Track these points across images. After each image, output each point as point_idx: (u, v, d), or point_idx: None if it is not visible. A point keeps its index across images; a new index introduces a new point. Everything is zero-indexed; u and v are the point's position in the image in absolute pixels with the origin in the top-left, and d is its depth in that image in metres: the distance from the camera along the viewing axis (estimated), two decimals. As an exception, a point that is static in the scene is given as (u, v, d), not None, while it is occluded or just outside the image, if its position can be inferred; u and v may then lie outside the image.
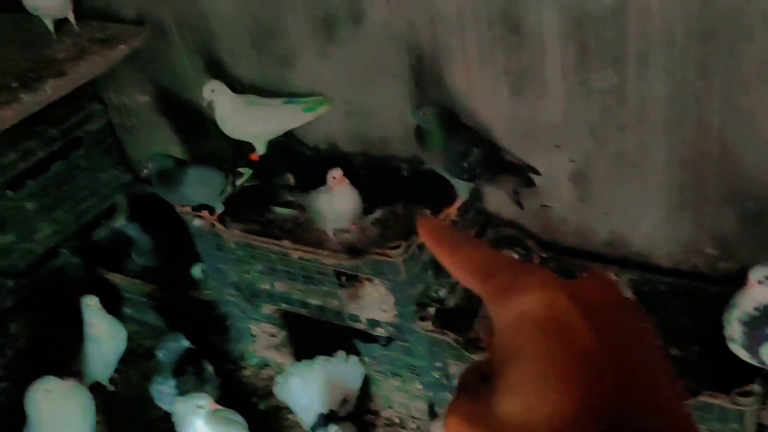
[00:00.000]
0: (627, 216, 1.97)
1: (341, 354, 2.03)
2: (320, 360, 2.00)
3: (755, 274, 1.52)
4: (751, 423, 1.58)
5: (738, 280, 1.65)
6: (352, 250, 1.96)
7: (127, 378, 2.36)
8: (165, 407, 2.03)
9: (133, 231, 2.51)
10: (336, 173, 1.93)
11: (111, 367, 2.26)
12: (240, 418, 1.89)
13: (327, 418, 1.95)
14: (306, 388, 1.97)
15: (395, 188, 2.17)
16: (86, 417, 1.88)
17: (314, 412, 1.96)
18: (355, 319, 2.00)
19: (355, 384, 2.05)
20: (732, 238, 1.86)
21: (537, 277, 0.35)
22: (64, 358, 2.23)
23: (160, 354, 2.06)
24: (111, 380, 2.31)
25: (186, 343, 2.06)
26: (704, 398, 1.56)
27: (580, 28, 1.75)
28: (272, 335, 2.23)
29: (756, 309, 1.52)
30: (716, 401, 1.57)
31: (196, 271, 2.32)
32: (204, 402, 1.79)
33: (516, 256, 2.09)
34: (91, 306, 2.17)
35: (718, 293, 1.82)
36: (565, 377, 0.31)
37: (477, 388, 0.36)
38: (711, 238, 1.89)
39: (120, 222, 2.61)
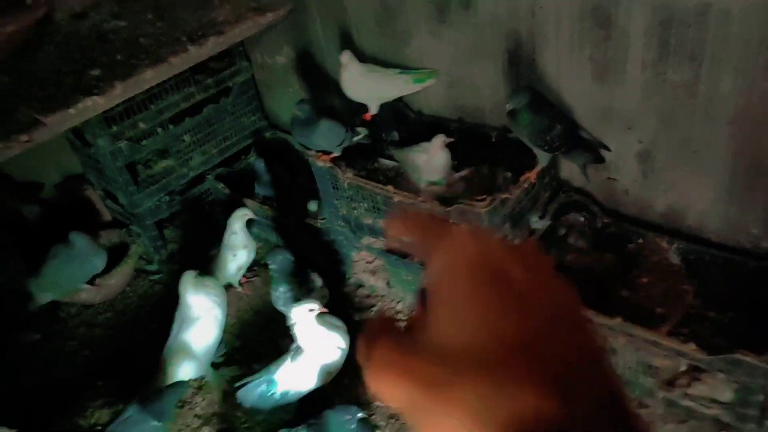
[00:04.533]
0: (683, 194, 1.91)
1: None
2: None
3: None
4: (775, 380, 1.53)
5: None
6: (441, 200, 1.95)
7: (251, 282, 2.45)
8: (280, 308, 2.10)
9: (258, 165, 2.54)
10: (443, 139, 1.95)
11: (241, 272, 2.35)
12: (342, 323, 1.94)
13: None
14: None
15: (483, 152, 2.15)
16: (221, 304, 1.97)
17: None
18: (440, 256, 2.00)
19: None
20: (777, 221, 1.78)
21: (470, 233, 0.33)
22: (204, 262, 2.34)
23: (270, 263, 2.10)
24: (240, 283, 2.41)
25: (289, 256, 2.08)
26: (737, 356, 1.53)
27: (664, 26, 1.68)
28: (368, 262, 2.26)
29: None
30: (747, 359, 1.53)
31: (312, 205, 2.38)
32: (314, 306, 1.84)
33: (582, 219, 2.06)
34: (241, 217, 2.23)
35: (757, 268, 1.78)
36: (493, 316, 0.29)
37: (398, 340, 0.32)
38: (757, 219, 1.81)
39: (252, 158, 2.66)
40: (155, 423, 1.73)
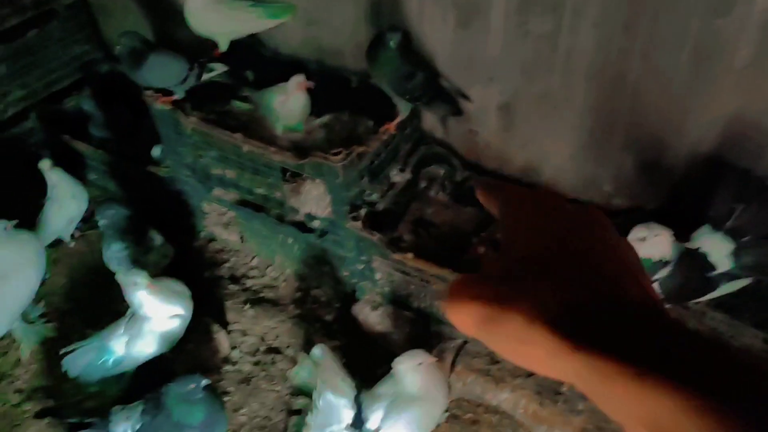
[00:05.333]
0: (542, 148, 1.87)
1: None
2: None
3: (634, 234, 1.43)
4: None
5: (627, 216, 1.59)
6: (299, 149, 1.79)
7: (87, 236, 2.16)
8: (114, 269, 1.85)
9: (88, 105, 2.21)
10: (301, 79, 1.77)
11: (72, 225, 2.06)
12: (183, 287, 1.72)
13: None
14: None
15: (344, 97, 1.99)
16: (35, 261, 1.69)
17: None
18: (295, 211, 1.87)
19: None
20: (627, 179, 1.78)
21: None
22: (29, 214, 2.01)
23: (100, 219, 1.85)
24: (72, 237, 2.12)
25: (123, 209, 1.84)
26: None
27: (527, -28, 1.58)
28: (221, 214, 2.08)
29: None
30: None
31: (156, 151, 2.10)
32: (141, 280, 1.61)
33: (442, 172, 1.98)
34: (45, 169, 1.94)
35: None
36: (550, 233, 0.36)
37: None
38: (609, 177, 1.82)
39: (82, 96, 2.31)
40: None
